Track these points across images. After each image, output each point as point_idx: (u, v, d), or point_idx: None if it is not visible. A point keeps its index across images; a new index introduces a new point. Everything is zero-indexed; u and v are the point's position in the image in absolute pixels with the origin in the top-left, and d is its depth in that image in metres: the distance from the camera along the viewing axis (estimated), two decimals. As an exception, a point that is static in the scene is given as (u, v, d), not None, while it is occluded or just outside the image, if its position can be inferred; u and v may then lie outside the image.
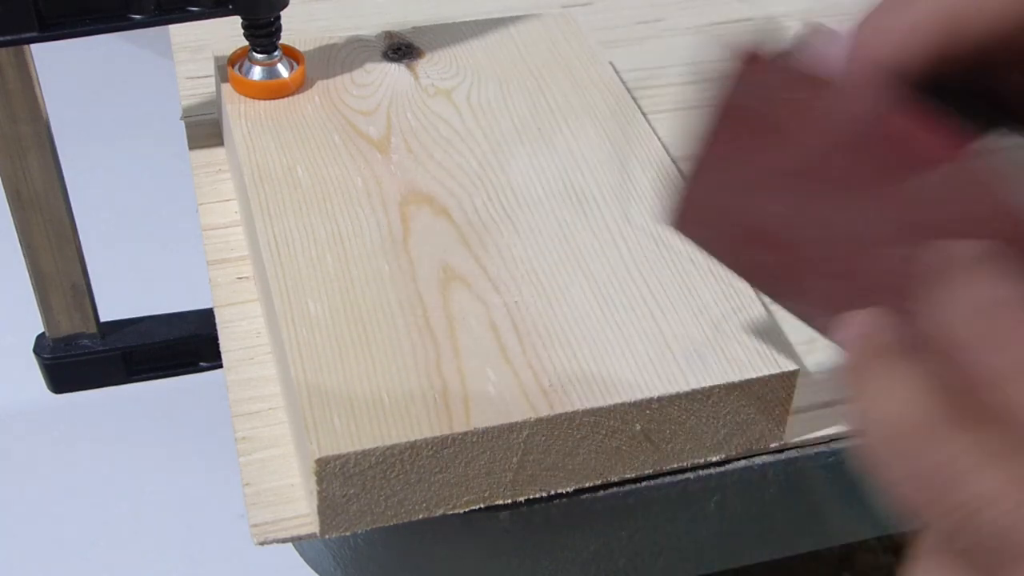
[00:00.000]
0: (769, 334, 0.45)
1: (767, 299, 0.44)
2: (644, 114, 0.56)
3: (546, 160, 0.53)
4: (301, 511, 0.44)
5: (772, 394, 0.44)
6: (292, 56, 0.57)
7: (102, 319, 0.64)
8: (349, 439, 0.40)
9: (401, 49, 0.59)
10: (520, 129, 0.54)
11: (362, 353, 0.43)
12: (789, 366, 0.44)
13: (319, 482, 0.41)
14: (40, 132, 0.57)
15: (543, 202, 0.50)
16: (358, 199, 0.50)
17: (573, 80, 0.58)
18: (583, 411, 0.42)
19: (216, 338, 0.50)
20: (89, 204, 0.83)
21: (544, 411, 0.42)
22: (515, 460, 0.43)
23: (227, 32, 0.57)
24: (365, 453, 0.40)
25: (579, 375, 0.43)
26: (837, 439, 0.48)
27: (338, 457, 0.40)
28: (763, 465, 0.47)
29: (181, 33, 0.67)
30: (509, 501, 0.44)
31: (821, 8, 0.70)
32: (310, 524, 0.43)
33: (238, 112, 0.55)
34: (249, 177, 0.51)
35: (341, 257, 0.47)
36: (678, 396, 0.43)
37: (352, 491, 0.41)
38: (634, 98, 0.57)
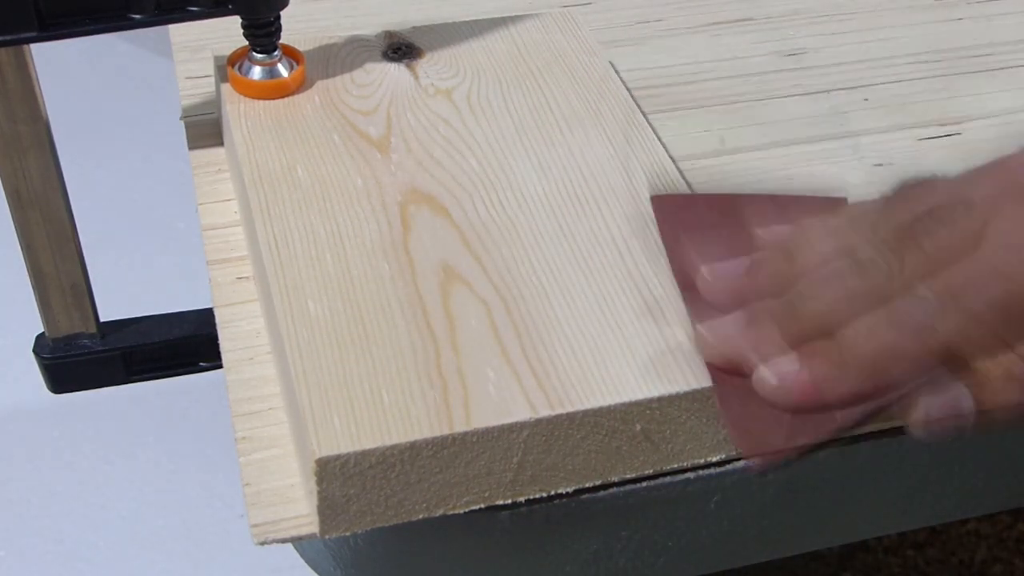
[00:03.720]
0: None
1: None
2: (644, 114, 0.56)
3: (546, 160, 0.53)
4: (301, 511, 0.44)
5: (772, 394, 0.44)
6: (292, 56, 0.57)
7: (102, 319, 0.64)
8: (349, 439, 0.40)
9: (401, 49, 0.59)
10: (520, 129, 0.54)
11: (362, 353, 0.43)
12: (789, 366, 0.44)
13: (319, 482, 0.41)
14: (40, 132, 0.57)
15: (543, 202, 0.50)
16: (358, 199, 0.50)
17: (573, 80, 0.58)
18: (583, 411, 0.42)
19: (216, 338, 0.50)
20: (89, 204, 0.83)
21: (544, 411, 0.42)
22: (515, 460, 0.43)
23: (227, 32, 0.57)
24: (365, 453, 0.40)
25: (579, 375, 0.43)
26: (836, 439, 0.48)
27: (338, 457, 0.40)
28: (763, 465, 0.47)
29: (181, 33, 0.67)
30: (509, 501, 0.44)
31: (821, 8, 0.70)
32: (310, 524, 0.43)
33: (238, 112, 0.55)
34: (249, 177, 0.51)
35: (341, 257, 0.47)
36: (678, 396, 0.43)
37: (352, 491, 0.41)
38: (634, 98, 0.57)
